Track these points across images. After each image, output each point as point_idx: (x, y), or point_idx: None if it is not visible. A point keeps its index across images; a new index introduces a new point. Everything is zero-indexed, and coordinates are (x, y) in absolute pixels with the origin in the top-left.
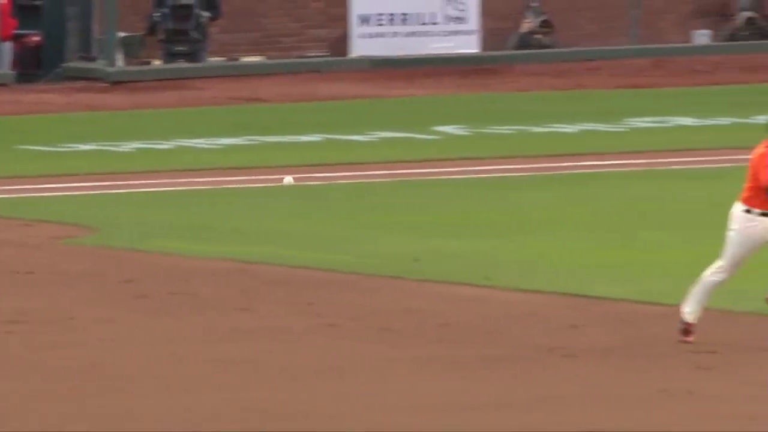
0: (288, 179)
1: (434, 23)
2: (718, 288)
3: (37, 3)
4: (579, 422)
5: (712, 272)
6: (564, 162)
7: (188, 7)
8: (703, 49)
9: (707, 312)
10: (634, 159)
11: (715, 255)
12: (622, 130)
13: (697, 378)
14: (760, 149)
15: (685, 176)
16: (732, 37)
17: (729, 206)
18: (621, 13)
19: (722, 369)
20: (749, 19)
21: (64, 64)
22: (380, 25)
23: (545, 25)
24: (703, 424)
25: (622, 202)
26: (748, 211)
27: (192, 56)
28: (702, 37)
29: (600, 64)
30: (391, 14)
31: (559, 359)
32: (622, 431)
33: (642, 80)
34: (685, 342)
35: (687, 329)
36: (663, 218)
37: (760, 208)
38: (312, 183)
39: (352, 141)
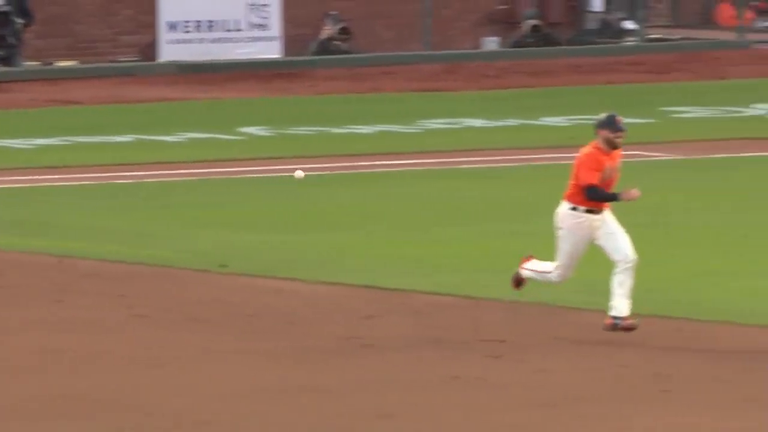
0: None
1: (239, 30)
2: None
3: None
4: (376, 407)
5: (550, 271)
6: (362, 161)
7: (5, 14)
8: (491, 55)
9: (496, 303)
10: (428, 158)
11: (504, 249)
12: (417, 131)
13: (487, 365)
14: (587, 149)
15: (476, 175)
16: (518, 44)
17: (517, 203)
18: (415, 21)
19: (511, 357)
20: (534, 27)
21: None
22: (187, 31)
23: (344, 32)
24: (493, 410)
25: (417, 199)
26: (574, 209)
27: (7, 60)
28: (491, 43)
29: (395, 69)
30: (198, 21)
31: (357, 348)
32: (417, 416)
33: (435, 84)
34: (514, 289)
35: (519, 280)
36: (455, 214)
37: (585, 205)
38: (124, 181)
39: (161, 141)
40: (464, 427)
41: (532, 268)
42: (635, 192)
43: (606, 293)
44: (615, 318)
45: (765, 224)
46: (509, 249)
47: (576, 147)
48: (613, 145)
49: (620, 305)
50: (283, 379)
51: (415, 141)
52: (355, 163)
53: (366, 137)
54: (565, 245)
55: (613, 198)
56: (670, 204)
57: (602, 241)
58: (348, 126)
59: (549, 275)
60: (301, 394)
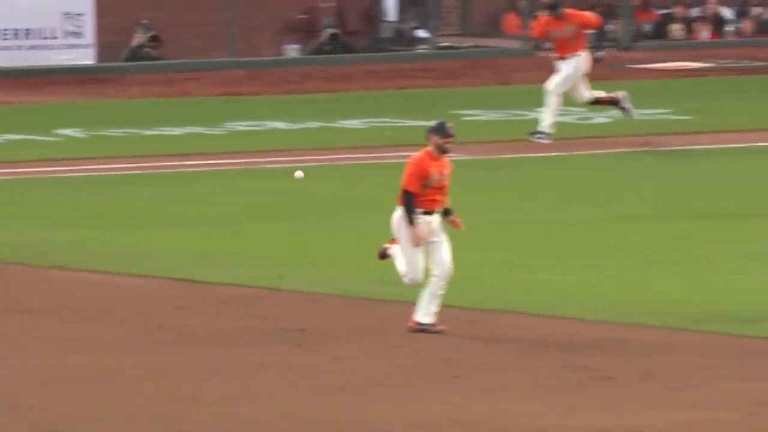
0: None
1: (54, 38)
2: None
3: None
4: (184, 392)
5: (403, 274)
6: (171, 161)
7: None
8: (293, 62)
9: (298, 294)
10: (234, 159)
11: (307, 243)
12: (223, 133)
13: (289, 353)
14: (418, 154)
15: (279, 174)
16: (318, 51)
17: (318, 200)
18: (221, 29)
19: (311, 345)
20: (332, 35)
21: None
22: (5, 39)
23: (154, 39)
24: (294, 395)
25: (224, 198)
26: None
27: None
28: (292, 50)
29: (203, 75)
30: (16, 29)
31: (168, 336)
32: (222, 400)
33: (240, 89)
34: (377, 258)
35: (384, 255)
36: (260, 211)
37: (419, 207)
38: None
39: None
40: (266, 410)
41: (394, 253)
42: (418, 239)
43: (400, 284)
44: (422, 324)
45: (548, 221)
46: (312, 243)
47: (371, 147)
48: (443, 150)
49: (431, 313)
50: (99, 366)
51: (221, 142)
52: (165, 163)
53: (175, 139)
54: (407, 248)
55: (410, 218)
56: (461, 202)
57: (429, 247)
58: (158, 128)
59: (403, 278)
60: (116, 380)
